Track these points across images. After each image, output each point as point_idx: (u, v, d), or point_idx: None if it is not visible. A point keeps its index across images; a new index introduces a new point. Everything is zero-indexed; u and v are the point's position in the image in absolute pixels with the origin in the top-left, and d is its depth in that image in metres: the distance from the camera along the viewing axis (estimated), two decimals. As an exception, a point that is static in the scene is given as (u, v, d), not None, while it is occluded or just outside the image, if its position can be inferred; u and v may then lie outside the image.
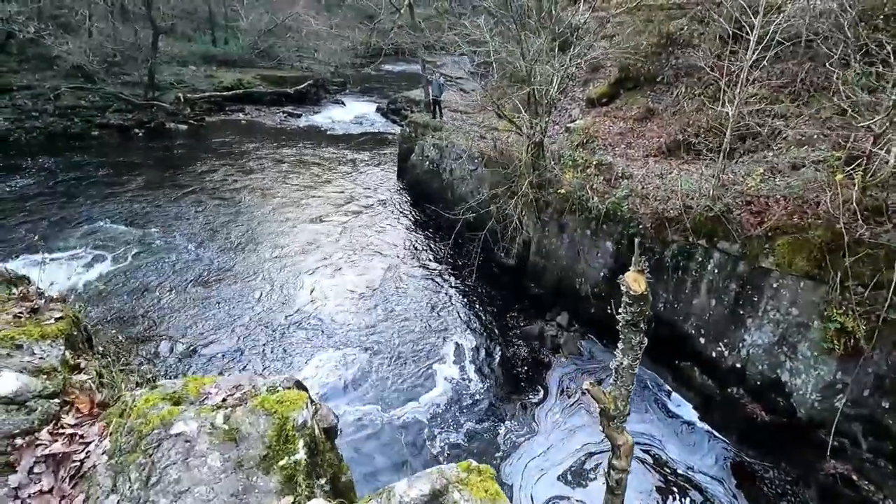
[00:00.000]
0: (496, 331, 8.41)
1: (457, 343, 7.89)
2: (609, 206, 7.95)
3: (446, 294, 9.41)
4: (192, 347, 7.22)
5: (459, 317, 8.71)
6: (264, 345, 7.66)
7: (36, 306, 2.56)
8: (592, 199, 8.16)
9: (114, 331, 3.37)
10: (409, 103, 21.00)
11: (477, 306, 9.13)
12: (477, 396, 6.94)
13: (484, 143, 11.93)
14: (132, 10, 21.12)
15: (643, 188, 8.05)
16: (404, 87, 25.28)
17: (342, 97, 24.92)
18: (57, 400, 1.94)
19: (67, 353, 2.31)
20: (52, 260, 9.51)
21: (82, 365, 2.35)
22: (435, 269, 10.22)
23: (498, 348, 8.06)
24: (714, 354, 7.07)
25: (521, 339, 8.42)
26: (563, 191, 8.55)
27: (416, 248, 11.02)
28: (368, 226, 11.78)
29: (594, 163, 8.77)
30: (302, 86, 22.94)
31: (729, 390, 6.87)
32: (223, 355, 7.19)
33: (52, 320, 2.47)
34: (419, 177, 13.49)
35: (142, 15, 21.00)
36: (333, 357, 7.42)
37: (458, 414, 6.63)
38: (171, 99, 18.95)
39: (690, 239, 7.15)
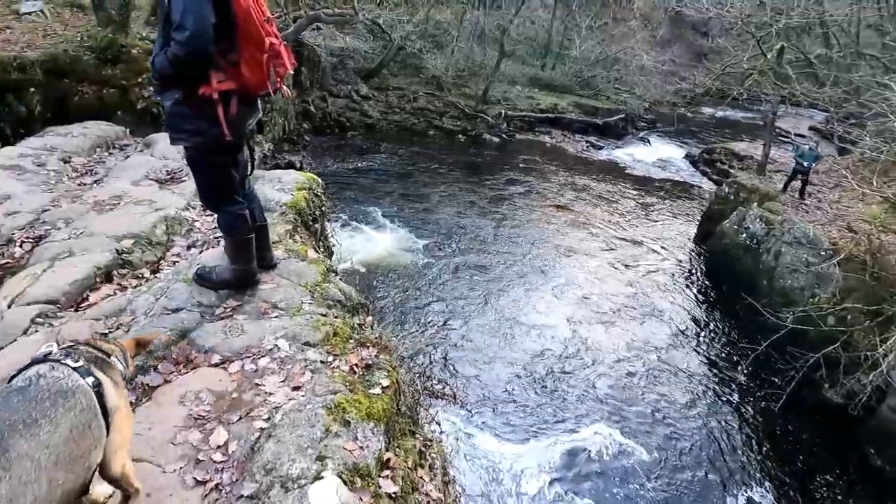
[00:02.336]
0: (805, 501, 6.00)
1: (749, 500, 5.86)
2: None
3: (737, 415, 7.24)
4: (468, 383, 7.14)
5: (750, 456, 6.54)
6: (534, 396, 7.07)
7: (370, 361, 2.34)
8: None
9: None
10: (729, 156, 17.95)
11: (779, 451, 6.73)
12: None
13: (842, 233, 8.93)
14: (488, 34, 23.78)
15: None
16: (727, 136, 21.91)
17: (649, 135, 23.14)
18: (365, 540, 1.54)
19: (383, 444, 1.96)
20: (380, 229, 11.16)
21: (391, 462, 1.98)
22: (725, 374, 8.06)
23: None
24: None
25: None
26: None
27: (703, 336, 8.99)
28: (652, 287, 10.21)
29: None
30: (613, 118, 22.13)
31: None
32: (499, 398, 6.90)
33: (380, 388, 2.19)
34: (727, 248, 11.08)
35: (494, 39, 23.46)
36: (595, 435, 6.40)
37: None
38: (494, 113, 20.63)
39: None
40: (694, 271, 11.15)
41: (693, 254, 11.94)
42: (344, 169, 14.63)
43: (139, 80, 9.47)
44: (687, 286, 10.52)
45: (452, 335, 8.07)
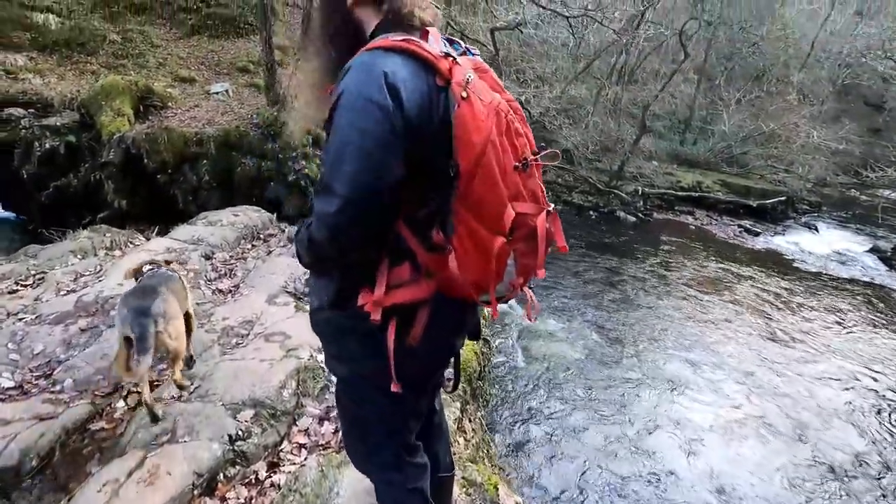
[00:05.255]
0: None
1: None
2: None
3: None
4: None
5: None
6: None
7: None
8: None
9: None
10: (942, 257, 13.96)
11: None
12: None
13: None
14: (623, 109, 22.40)
15: None
16: (927, 229, 17.53)
17: (814, 221, 19.43)
18: None
19: None
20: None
21: None
22: None
23: None
24: None
25: None
26: None
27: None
28: (886, 432, 7.37)
29: None
30: (770, 200, 18.97)
31: None
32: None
33: None
34: None
35: (630, 114, 22.00)
36: None
37: None
38: (630, 190, 18.81)
39: None
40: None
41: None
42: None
43: (293, 153, 9.62)
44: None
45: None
